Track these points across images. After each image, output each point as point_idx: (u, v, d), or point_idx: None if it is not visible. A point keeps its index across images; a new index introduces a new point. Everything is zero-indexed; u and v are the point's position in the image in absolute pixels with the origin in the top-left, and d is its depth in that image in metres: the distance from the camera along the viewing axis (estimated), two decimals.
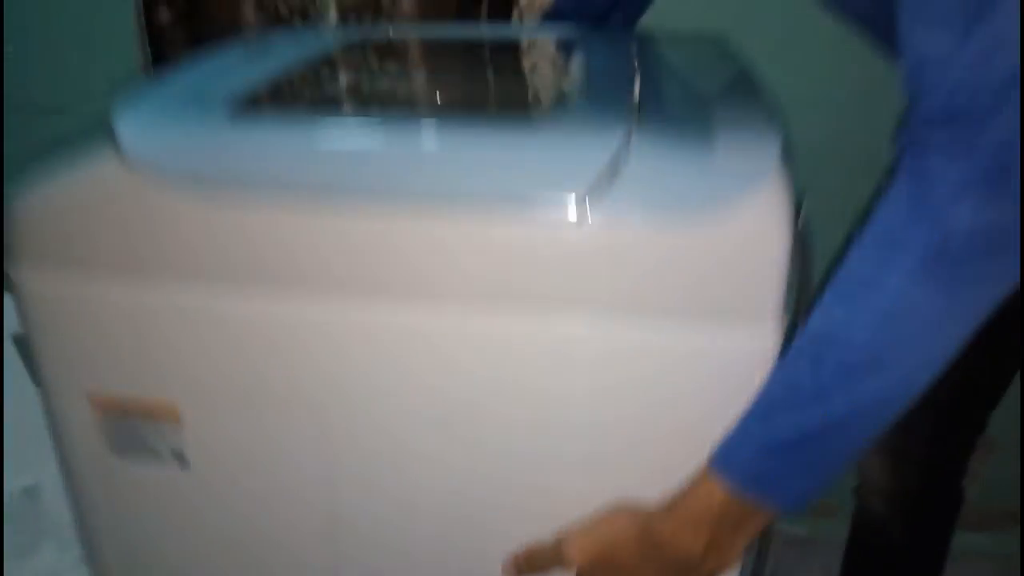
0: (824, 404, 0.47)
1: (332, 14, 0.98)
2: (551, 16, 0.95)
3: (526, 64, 0.79)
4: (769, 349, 0.49)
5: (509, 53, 0.81)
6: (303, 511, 0.58)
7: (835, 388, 0.47)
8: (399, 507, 0.56)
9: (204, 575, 0.63)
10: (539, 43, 0.82)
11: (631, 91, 0.56)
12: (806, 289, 0.53)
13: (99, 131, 0.52)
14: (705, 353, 0.49)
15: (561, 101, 0.61)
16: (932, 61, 0.44)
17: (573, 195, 0.46)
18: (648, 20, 0.97)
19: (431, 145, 0.51)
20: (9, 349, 0.62)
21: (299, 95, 0.63)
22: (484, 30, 0.92)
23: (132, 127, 0.51)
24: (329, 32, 0.90)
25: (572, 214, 0.46)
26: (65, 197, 0.52)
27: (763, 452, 0.49)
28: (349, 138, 0.52)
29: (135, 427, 0.56)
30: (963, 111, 0.43)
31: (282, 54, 0.69)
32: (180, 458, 0.56)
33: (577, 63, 0.72)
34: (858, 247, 0.47)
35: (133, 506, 0.60)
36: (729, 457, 0.50)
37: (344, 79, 0.69)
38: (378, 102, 0.62)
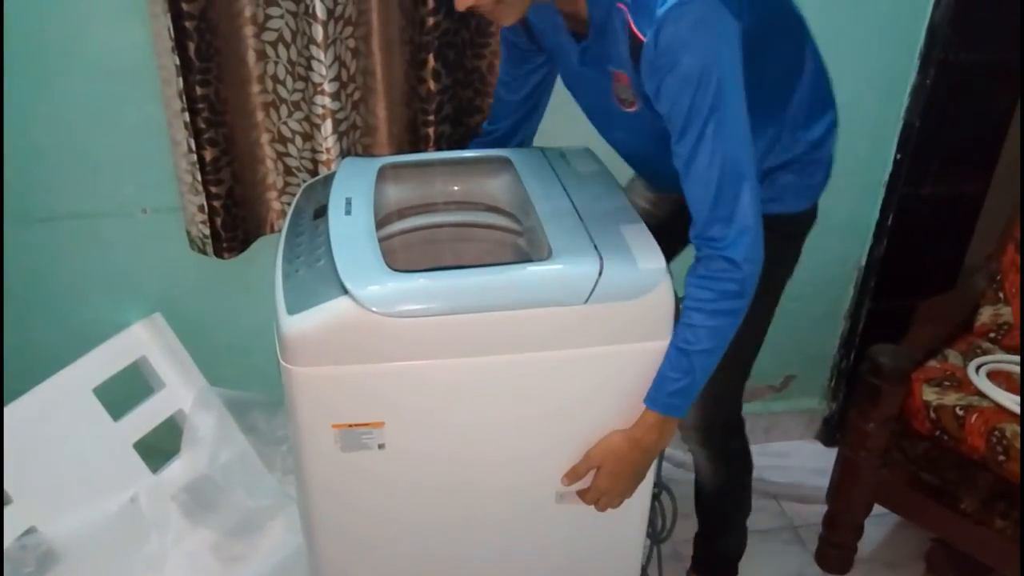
0: (689, 374, 1.06)
1: (330, 136, 1.41)
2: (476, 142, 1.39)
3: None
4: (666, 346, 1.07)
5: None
6: (445, 469, 1.10)
7: (693, 368, 1.06)
8: (491, 455, 1.11)
9: (391, 519, 1.13)
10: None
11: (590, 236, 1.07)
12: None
13: (333, 288, 0.97)
14: (645, 351, 1.07)
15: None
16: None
17: (584, 294, 1.01)
18: None
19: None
20: None
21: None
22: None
23: (356, 282, 0.97)
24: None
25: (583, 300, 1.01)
26: (320, 322, 0.97)
27: (664, 396, 1.08)
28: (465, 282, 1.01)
29: (356, 434, 1.04)
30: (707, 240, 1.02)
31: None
32: (380, 446, 1.05)
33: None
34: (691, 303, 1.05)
35: (347, 481, 1.09)
36: (653, 401, 1.09)
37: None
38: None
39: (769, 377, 2.02)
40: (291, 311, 0.99)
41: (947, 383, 1.54)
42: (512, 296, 1.00)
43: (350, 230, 1.08)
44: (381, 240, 1.22)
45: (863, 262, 1.89)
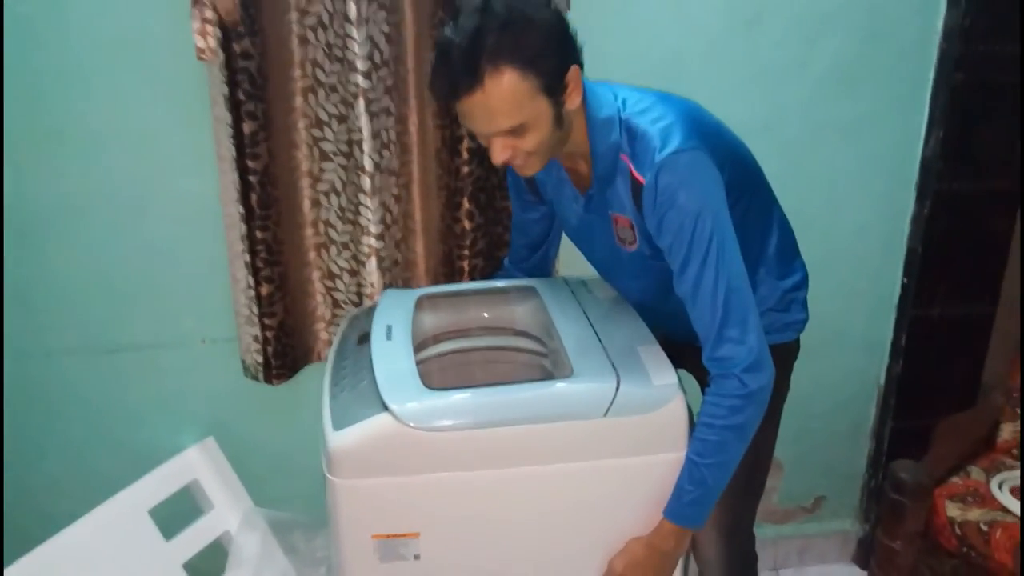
0: (702, 485, 1.14)
1: (374, 271, 1.57)
2: (504, 272, 1.55)
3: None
4: (682, 458, 1.15)
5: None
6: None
7: (705, 479, 1.14)
8: (520, 566, 1.18)
9: None
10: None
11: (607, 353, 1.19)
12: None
13: (375, 406, 1.08)
14: (662, 462, 1.15)
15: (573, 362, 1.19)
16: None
17: (603, 408, 1.10)
18: None
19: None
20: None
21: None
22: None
23: (395, 399, 1.08)
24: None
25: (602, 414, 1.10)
26: (363, 436, 1.07)
27: (679, 506, 1.15)
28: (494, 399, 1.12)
29: (393, 544, 1.12)
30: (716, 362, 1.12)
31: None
32: (416, 557, 1.13)
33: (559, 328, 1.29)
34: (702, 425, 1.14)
35: None
36: (670, 511, 1.17)
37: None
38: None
39: (799, 498, 2.04)
40: (337, 427, 1.10)
41: (970, 499, 1.57)
42: (537, 411, 1.10)
43: (390, 353, 1.20)
44: (419, 363, 1.33)
45: (882, 380, 1.95)
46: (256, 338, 1.54)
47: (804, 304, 1.35)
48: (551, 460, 1.12)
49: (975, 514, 1.52)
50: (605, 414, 1.10)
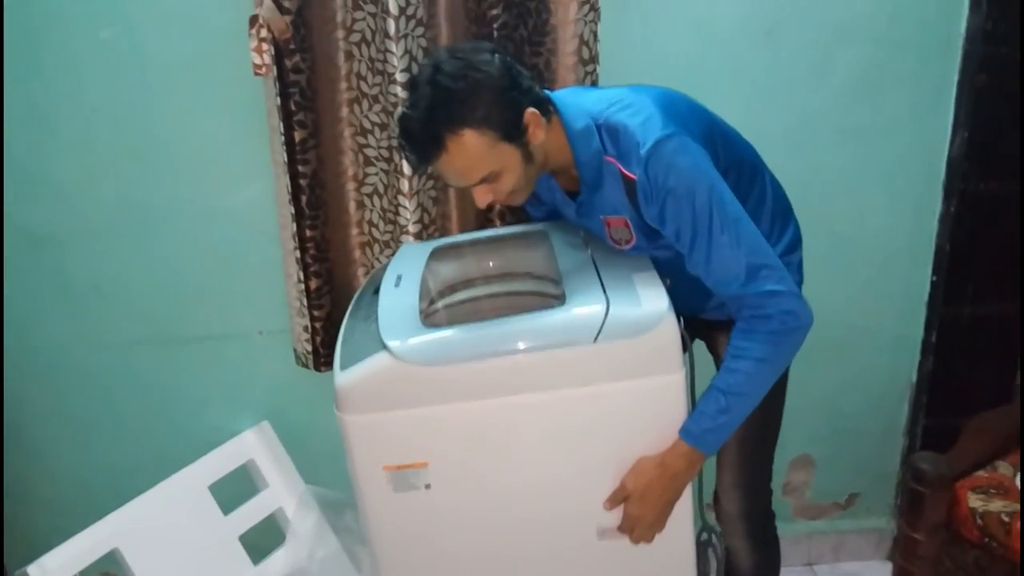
0: (725, 414, 1.20)
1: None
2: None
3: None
4: (681, 382, 1.20)
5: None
6: (487, 505, 1.24)
7: (730, 408, 1.20)
8: (526, 495, 1.23)
9: (447, 558, 1.28)
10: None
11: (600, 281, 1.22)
12: (688, 352, 1.23)
13: (376, 345, 1.17)
14: (659, 384, 1.19)
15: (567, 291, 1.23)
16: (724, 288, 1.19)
17: (593, 334, 1.14)
18: None
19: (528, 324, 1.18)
20: None
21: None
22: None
23: (393, 340, 1.16)
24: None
25: (592, 340, 1.14)
26: (365, 373, 1.16)
27: (699, 430, 1.21)
28: (486, 332, 1.17)
29: (404, 475, 1.19)
30: (749, 307, 1.18)
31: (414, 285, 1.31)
32: (426, 486, 1.20)
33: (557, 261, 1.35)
34: (733, 356, 1.20)
35: (403, 521, 1.24)
36: (688, 433, 1.21)
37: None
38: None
39: (833, 494, 2.07)
40: (343, 367, 1.20)
41: (993, 491, 1.59)
42: (527, 341, 1.15)
43: (396, 299, 1.29)
44: (436, 311, 1.41)
45: (914, 378, 1.97)
46: (306, 328, 1.68)
47: (799, 267, 1.38)
48: (547, 388, 1.16)
49: (997, 505, 1.54)
50: (595, 339, 1.13)
